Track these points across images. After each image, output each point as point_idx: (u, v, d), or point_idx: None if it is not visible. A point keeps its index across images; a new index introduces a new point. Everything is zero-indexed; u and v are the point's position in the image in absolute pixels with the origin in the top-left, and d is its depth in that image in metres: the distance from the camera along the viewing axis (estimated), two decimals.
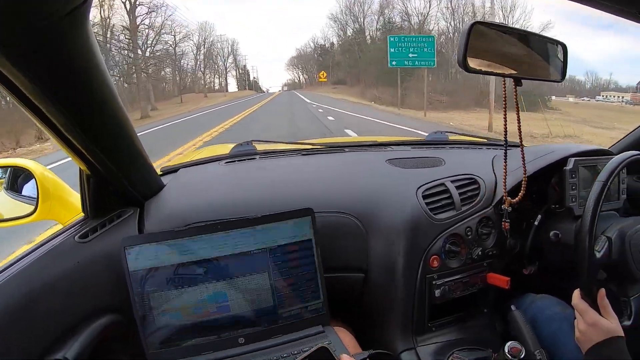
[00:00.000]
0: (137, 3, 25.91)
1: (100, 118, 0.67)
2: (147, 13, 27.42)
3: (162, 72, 33.09)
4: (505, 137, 0.88)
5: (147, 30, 27.95)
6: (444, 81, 25.40)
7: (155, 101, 26.90)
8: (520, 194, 0.90)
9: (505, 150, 0.88)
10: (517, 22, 22.54)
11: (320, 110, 16.69)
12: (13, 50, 0.48)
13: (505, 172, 0.89)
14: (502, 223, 0.94)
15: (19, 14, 0.44)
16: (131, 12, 25.99)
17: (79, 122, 0.64)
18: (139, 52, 27.12)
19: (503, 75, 0.76)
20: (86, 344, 0.73)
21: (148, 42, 28.34)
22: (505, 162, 0.88)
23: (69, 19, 0.48)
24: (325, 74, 40.18)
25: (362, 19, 37.46)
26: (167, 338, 0.78)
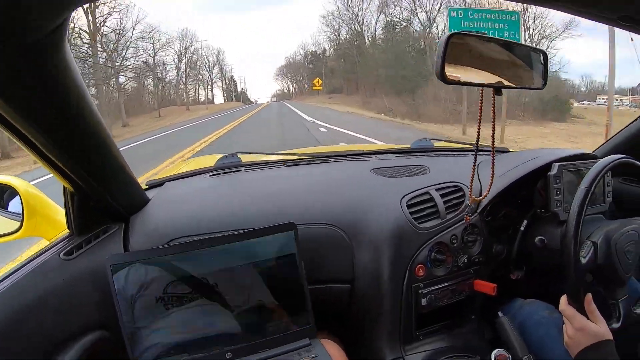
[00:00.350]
0: (98, 3, 22.17)
1: (79, 136, 0.67)
2: (108, 14, 23.93)
3: (137, 84, 30.15)
4: (477, 139, 0.86)
5: (113, 35, 25.03)
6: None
7: (131, 116, 24.64)
8: (484, 193, 0.91)
9: (475, 156, 0.88)
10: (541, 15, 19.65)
11: (322, 129, 11.90)
12: None
13: (473, 175, 0.90)
14: (464, 216, 0.94)
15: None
16: (90, 12, 22.23)
17: (58, 141, 0.64)
18: (102, 59, 24.09)
19: (483, 85, 0.76)
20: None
21: (118, 49, 25.58)
22: (475, 165, 0.89)
23: (46, 40, 0.49)
24: (320, 82, 35.85)
25: (360, 19, 33.68)
26: (155, 355, 0.78)
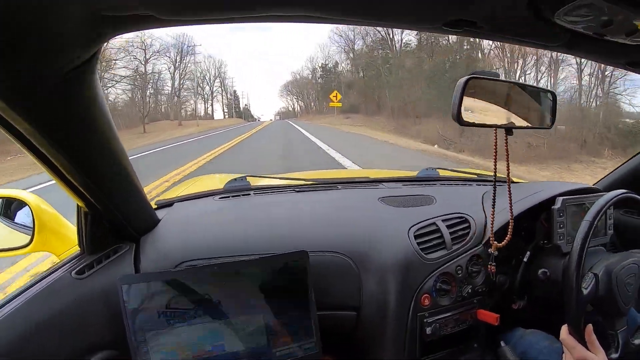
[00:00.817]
0: None
1: (100, 157, 0.68)
2: None
3: (130, 96, 27.89)
4: (494, 185, 0.90)
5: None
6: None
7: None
8: (507, 237, 0.93)
9: (494, 198, 0.90)
10: None
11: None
12: (19, 98, 0.49)
13: (493, 218, 0.92)
14: (489, 266, 0.96)
15: (28, 64, 0.45)
16: None
17: (80, 164, 0.66)
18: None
19: (496, 127, 0.79)
20: None
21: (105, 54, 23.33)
22: (494, 208, 0.91)
23: (79, 69, 0.50)
24: (338, 96, 26.59)
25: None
26: None
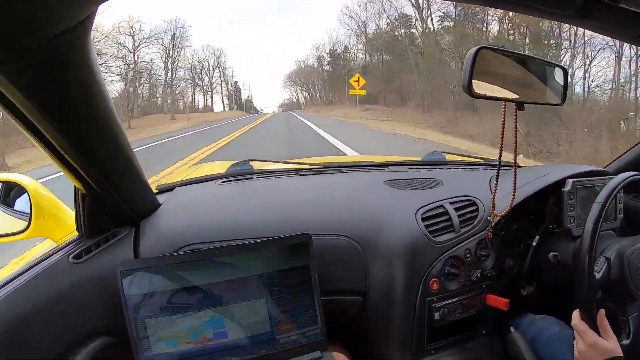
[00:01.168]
0: None
1: (98, 138, 0.66)
2: None
3: (123, 87, 25.92)
4: (500, 157, 0.88)
5: None
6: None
7: None
8: (506, 208, 0.90)
9: (498, 170, 0.89)
10: None
11: None
12: (11, 68, 0.47)
13: (496, 189, 0.90)
14: (486, 232, 0.94)
15: (17, 33, 0.43)
16: None
17: (77, 142, 0.63)
18: None
19: (506, 100, 0.76)
20: None
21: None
22: (497, 180, 0.89)
23: (68, 38, 0.48)
24: (361, 80, 19.79)
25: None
26: None
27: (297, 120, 23.28)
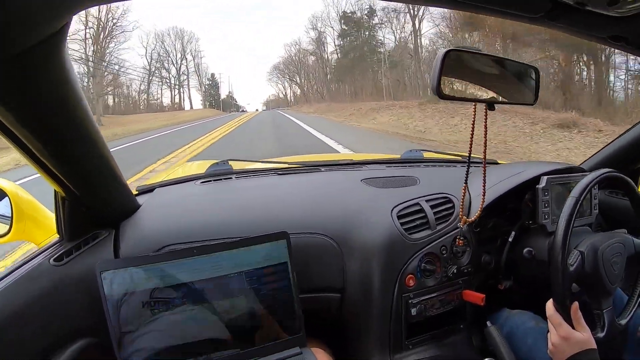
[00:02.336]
0: None
1: (76, 142, 0.66)
2: None
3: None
4: (469, 157, 0.88)
5: None
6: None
7: None
8: (476, 214, 0.92)
9: (468, 169, 0.89)
10: None
11: None
12: None
13: (464, 194, 0.91)
14: (457, 240, 0.96)
15: (2, 38, 0.43)
16: None
17: (55, 147, 0.64)
18: None
19: (476, 101, 0.78)
20: None
21: None
22: (466, 182, 0.90)
23: (43, 47, 0.48)
24: None
25: None
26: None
27: (287, 123, 16.87)
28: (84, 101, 0.63)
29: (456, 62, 0.73)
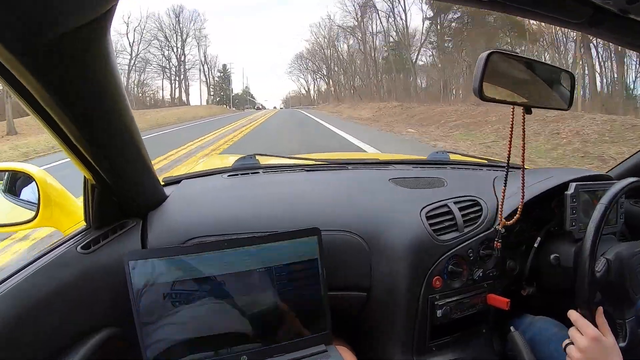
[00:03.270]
0: None
1: (112, 129, 0.67)
2: None
3: None
4: (508, 162, 0.89)
5: None
6: None
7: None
8: (515, 217, 0.92)
9: (507, 173, 0.90)
10: None
11: None
12: (30, 59, 0.48)
13: (503, 196, 0.91)
14: (495, 242, 0.95)
15: (39, 24, 0.44)
16: None
17: (91, 132, 0.64)
18: None
19: (515, 104, 0.77)
20: (86, 358, 0.72)
21: None
22: (505, 185, 0.90)
23: (89, 30, 0.48)
24: None
25: None
26: (168, 353, 0.77)
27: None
28: (122, 88, 0.63)
29: (497, 65, 0.73)
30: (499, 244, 0.95)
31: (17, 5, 0.41)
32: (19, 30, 0.43)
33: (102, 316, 0.78)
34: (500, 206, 0.91)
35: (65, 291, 0.74)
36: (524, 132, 0.80)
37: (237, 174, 1.12)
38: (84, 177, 0.79)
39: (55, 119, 0.60)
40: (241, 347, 0.80)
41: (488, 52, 0.71)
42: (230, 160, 1.22)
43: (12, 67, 0.49)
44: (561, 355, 0.87)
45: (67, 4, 0.43)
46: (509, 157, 0.84)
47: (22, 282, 0.70)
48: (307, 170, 1.18)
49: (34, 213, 0.93)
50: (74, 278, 0.75)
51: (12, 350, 0.65)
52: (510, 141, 0.81)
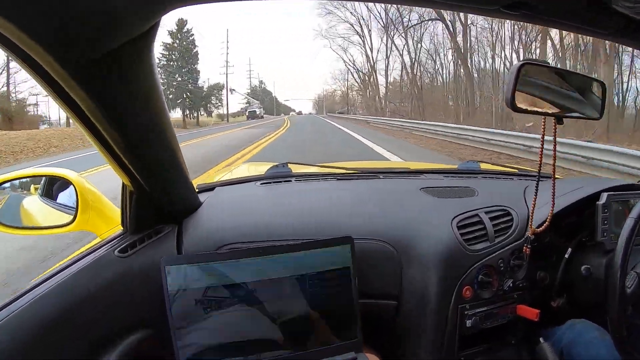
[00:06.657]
0: None
1: (152, 137, 0.69)
2: None
3: None
4: (539, 171, 0.89)
5: None
6: None
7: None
8: (544, 224, 0.91)
9: (537, 183, 0.89)
10: None
11: None
12: (79, 72, 0.50)
13: (534, 205, 0.90)
14: (524, 247, 0.95)
15: (88, 41, 0.46)
16: None
17: (132, 140, 0.66)
18: None
19: (546, 114, 0.77)
20: (122, 357, 0.75)
21: None
22: (536, 195, 0.89)
23: (133, 46, 0.51)
24: None
25: None
26: (200, 357, 0.79)
27: None
28: (163, 99, 0.66)
29: (529, 76, 0.73)
30: (528, 249, 0.94)
31: (68, 25, 0.43)
32: (70, 47, 0.46)
33: (137, 318, 0.80)
34: (530, 216, 0.91)
35: (103, 293, 0.76)
36: (555, 142, 0.80)
37: (269, 182, 1.14)
38: (122, 183, 0.82)
39: (99, 128, 0.62)
40: (271, 353, 0.81)
41: (520, 62, 0.72)
42: (261, 169, 1.25)
43: (61, 79, 0.52)
44: (601, 359, 0.86)
45: (113, 23, 0.46)
46: (540, 166, 0.83)
47: (63, 282, 0.72)
48: (339, 179, 1.19)
49: (71, 217, 0.96)
50: (111, 281, 0.78)
51: (51, 347, 0.67)
52: (542, 151, 0.81)
